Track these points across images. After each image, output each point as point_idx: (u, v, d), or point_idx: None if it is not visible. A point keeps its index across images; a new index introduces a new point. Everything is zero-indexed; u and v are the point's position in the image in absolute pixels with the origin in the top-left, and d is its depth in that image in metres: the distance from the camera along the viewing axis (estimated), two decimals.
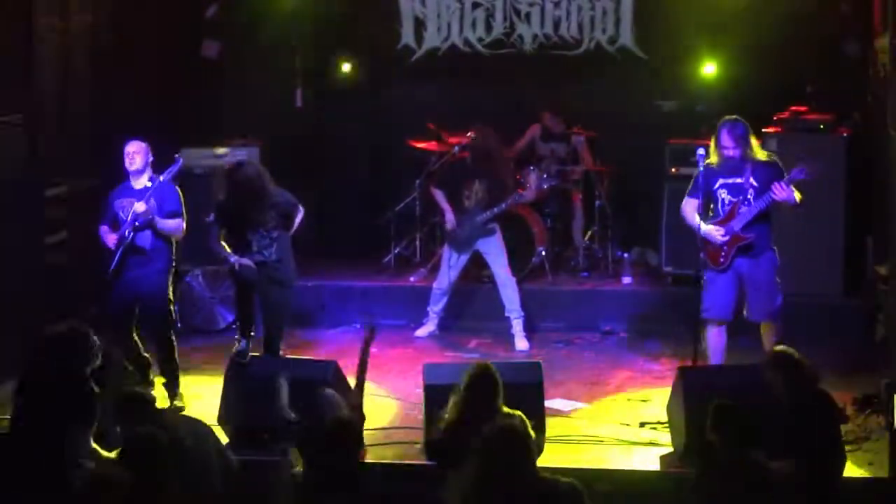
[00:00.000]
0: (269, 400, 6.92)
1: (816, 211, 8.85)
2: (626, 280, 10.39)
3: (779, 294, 7.56)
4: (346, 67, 11.53)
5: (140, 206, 7.70)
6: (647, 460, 6.94)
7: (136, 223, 7.76)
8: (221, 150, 10.32)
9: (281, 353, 8.04)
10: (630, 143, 10.83)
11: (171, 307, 8.01)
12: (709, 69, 10.79)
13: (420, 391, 7.31)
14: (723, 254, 7.49)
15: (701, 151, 7.53)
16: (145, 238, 7.82)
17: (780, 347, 6.35)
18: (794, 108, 9.86)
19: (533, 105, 11.15)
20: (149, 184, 7.85)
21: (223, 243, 7.81)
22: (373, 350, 9.26)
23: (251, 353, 7.64)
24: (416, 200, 10.79)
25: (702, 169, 7.57)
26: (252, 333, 7.81)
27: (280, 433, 6.78)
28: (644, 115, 11.02)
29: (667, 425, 7.18)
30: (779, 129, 9.61)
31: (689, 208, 7.66)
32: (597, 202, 10.76)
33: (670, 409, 7.09)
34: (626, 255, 10.70)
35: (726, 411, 5.67)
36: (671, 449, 6.95)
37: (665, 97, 11.24)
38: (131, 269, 7.83)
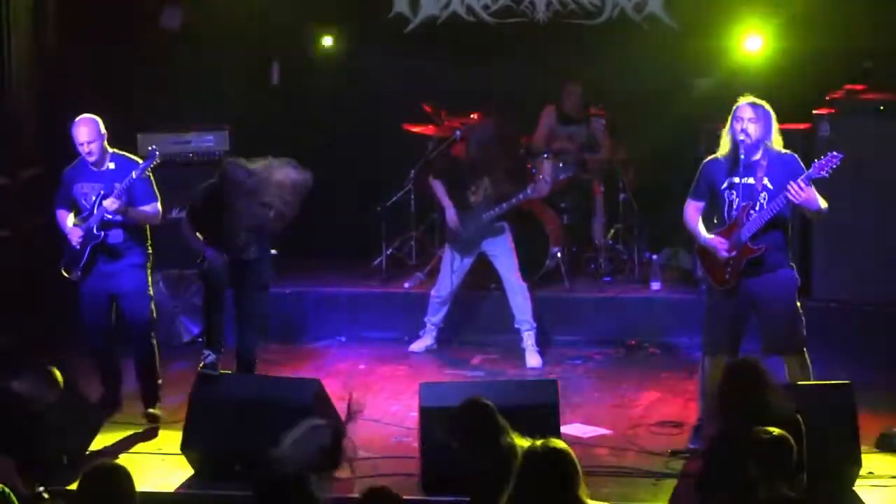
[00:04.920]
0: (243, 424, 6.98)
1: (888, 209, 8.86)
2: (655, 286, 10.46)
3: (800, 320, 7.33)
4: (329, 39, 11.57)
5: (111, 204, 7.81)
6: (678, 495, 6.95)
7: (105, 219, 7.90)
8: (188, 136, 10.36)
9: (256, 369, 8.14)
10: (659, 128, 10.86)
11: (152, 304, 8.18)
12: (751, 41, 10.84)
13: (415, 415, 7.38)
14: (728, 270, 7.24)
15: (742, 137, 7.23)
16: (117, 235, 8.00)
17: (741, 359, 6.29)
18: (849, 86, 9.91)
19: (545, 83, 11.19)
20: (111, 165, 7.99)
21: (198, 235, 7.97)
22: (361, 367, 9.43)
23: (222, 371, 7.71)
24: (411, 193, 10.85)
25: (705, 163, 7.48)
26: (222, 345, 7.88)
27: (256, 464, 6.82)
28: (676, 95, 11.06)
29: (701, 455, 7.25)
30: (831, 111, 9.66)
31: (692, 212, 7.52)
32: (621, 196, 10.81)
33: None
34: (654, 256, 10.75)
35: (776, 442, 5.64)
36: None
37: (700, 74, 11.27)
38: (104, 265, 8.01)
